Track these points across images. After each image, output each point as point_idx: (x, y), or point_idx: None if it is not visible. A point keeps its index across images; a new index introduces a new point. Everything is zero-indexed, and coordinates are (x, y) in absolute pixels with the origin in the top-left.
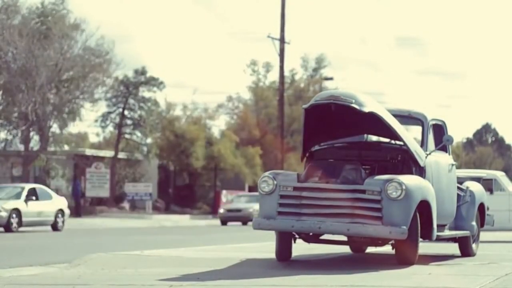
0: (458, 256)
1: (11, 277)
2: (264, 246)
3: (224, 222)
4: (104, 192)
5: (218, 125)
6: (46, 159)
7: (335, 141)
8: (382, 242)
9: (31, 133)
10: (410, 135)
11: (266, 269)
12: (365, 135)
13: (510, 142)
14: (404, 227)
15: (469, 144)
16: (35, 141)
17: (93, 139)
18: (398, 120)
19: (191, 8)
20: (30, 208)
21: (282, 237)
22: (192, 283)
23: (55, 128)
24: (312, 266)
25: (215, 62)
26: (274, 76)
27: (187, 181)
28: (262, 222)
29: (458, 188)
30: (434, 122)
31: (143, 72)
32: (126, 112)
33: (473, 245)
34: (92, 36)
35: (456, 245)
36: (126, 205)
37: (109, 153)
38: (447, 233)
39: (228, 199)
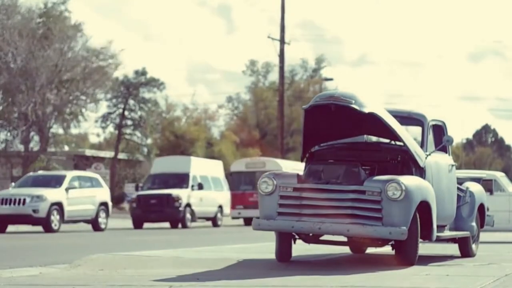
0: (458, 257)
1: (11, 277)
2: (264, 246)
3: None
4: None
5: (218, 126)
6: (46, 160)
7: (335, 142)
8: (382, 242)
9: (31, 134)
10: (410, 135)
11: (266, 269)
12: (365, 136)
13: (509, 143)
14: (404, 227)
15: (469, 144)
16: (35, 142)
17: (93, 139)
18: (398, 120)
19: (190, 8)
20: None
21: (282, 237)
22: (192, 284)
23: (55, 128)
24: (312, 267)
25: (215, 62)
26: (273, 76)
27: None
28: (262, 223)
29: (458, 188)
30: (434, 123)
31: (143, 73)
32: (126, 113)
33: (473, 246)
34: (92, 37)
35: (456, 245)
36: (126, 205)
37: (109, 154)
38: (447, 233)
39: None
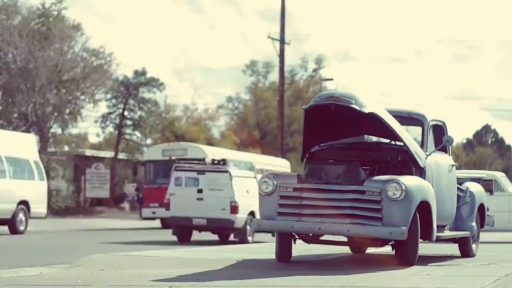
0: (458, 257)
1: (11, 277)
2: (264, 246)
3: None
4: (104, 193)
5: (218, 126)
6: (46, 160)
7: (335, 142)
8: (382, 242)
9: (31, 134)
10: (410, 135)
11: (266, 269)
12: (365, 136)
13: (510, 143)
14: (404, 227)
15: (469, 144)
16: None
17: (93, 139)
18: (398, 120)
19: (191, 9)
20: None
21: (282, 237)
22: (192, 284)
23: (55, 128)
24: (312, 267)
25: (215, 62)
26: (273, 76)
27: None
28: (262, 223)
29: (458, 188)
30: (434, 123)
31: (143, 73)
32: (126, 113)
33: (473, 246)
34: (91, 37)
35: (456, 245)
36: (126, 205)
37: (109, 154)
38: (447, 233)
39: None
